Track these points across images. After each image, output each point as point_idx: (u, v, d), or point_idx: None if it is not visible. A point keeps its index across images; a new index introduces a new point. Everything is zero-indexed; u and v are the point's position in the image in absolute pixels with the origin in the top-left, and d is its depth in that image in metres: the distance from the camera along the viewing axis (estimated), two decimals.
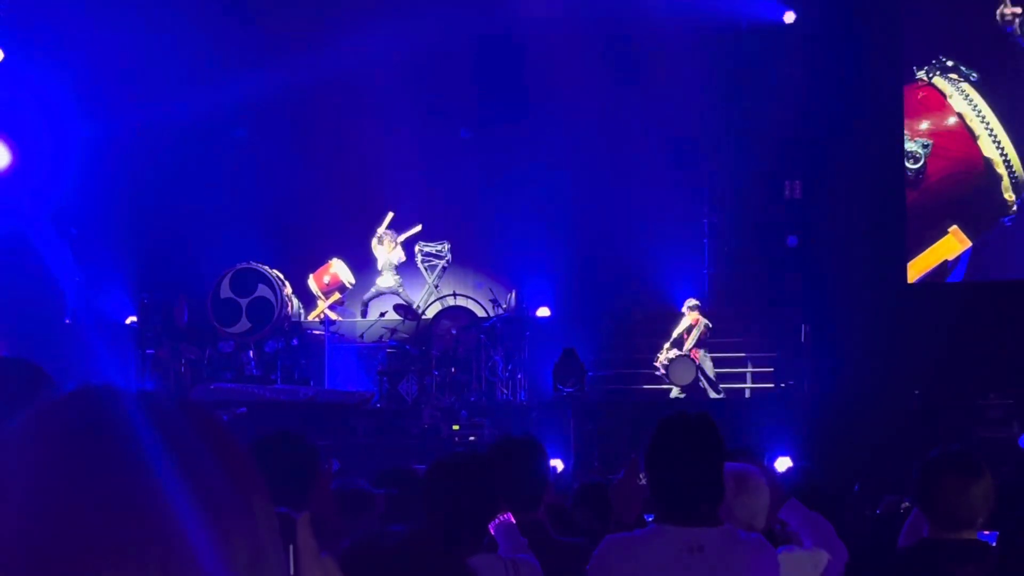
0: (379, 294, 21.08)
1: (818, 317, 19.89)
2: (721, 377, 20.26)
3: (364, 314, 21.12)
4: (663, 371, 19.66)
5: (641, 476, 4.50)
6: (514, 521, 4.86)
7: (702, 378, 19.50)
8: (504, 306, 19.98)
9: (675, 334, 19.67)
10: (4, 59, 20.79)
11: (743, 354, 20.60)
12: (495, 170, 21.63)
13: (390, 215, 20.97)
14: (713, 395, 19.44)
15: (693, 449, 4.16)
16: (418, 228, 21.16)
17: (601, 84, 20.79)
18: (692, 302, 19.76)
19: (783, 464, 12.03)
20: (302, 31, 21.82)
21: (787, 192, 21.09)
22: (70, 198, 21.23)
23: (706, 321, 19.57)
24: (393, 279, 21.02)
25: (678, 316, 20.34)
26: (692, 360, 19.40)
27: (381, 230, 20.98)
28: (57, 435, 1.08)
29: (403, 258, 21.09)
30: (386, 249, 20.99)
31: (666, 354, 19.64)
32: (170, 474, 1.06)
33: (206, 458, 1.10)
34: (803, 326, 19.91)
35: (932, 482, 4.77)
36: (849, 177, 20.31)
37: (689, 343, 19.47)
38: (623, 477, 4.81)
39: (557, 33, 21.28)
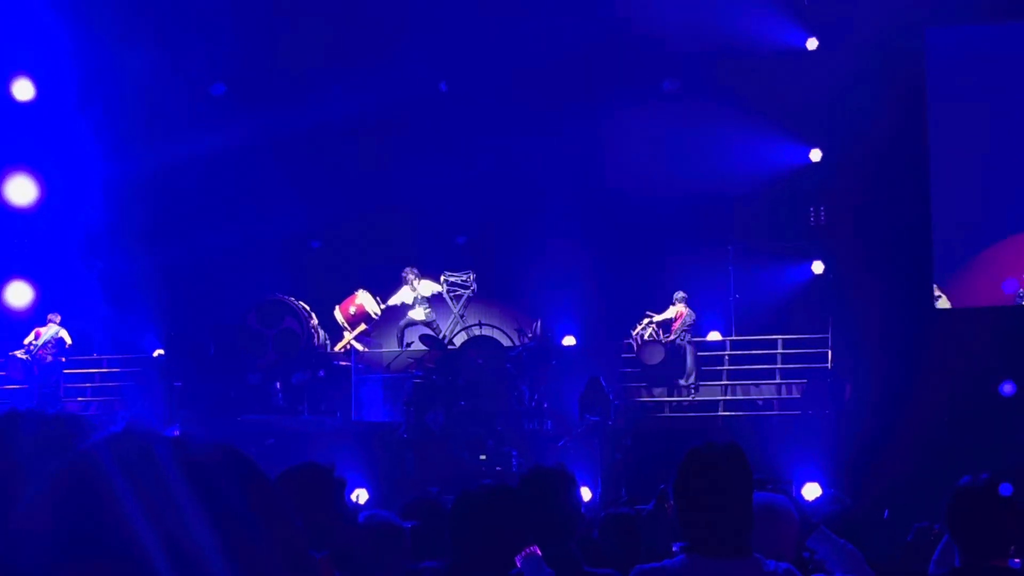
0: (411, 324, 21.02)
1: (845, 343, 19.82)
2: (748, 404, 20.21)
3: (401, 342, 21.04)
4: (636, 347, 20.37)
5: (669, 506, 4.48)
6: (540, 553, 4.84)
7: (686, 362, 20.22)
8: (530, 335, 19.96)
9: (659, 318, 20.37)
10: (35, 97, 20.98)
11: (770, 381, 20.53)
12: (520, 201, 21.64)
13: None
14: (682, 381, 20.17)
15: (722, 480, 4.14)
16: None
17: (625, 111, 20.79)
18: (680, 295, 20.37)
19: (812, 492, 11.97)
20: (323, 65, 21.95)
21: (812, 218, 21.06)
22: (97, 233, 21.36)
23: (691, 313, 20.30)
24: (424, 312, 21.01)
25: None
26: (663, 346, 20.15)
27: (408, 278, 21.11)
28: (89, 489, 1.08)
29: (435, 288, 21.09)
30: (409, 289, 20.97)
31: (641, 328, 20.28)
32: (204, 529, 1.06)
33: (243, 510, 1.10)
34: (829, 352, 19.85)
35: (963, 511, 4.74)
36: (874, 202, 20.26)
37: (675, 335, 20.26)
38: (653, 508, 4.80)
39: (580, 60, 21.34)
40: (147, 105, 21.63)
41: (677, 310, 20.35)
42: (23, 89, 21.15)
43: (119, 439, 1.12)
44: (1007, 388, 16.51)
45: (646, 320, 20.45)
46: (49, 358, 20.81)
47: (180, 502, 1.07)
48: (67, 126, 20.99)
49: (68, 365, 21.41)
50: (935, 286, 20.14)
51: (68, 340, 21.07)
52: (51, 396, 20.84)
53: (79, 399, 21.47)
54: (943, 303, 20.10)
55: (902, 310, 19.85)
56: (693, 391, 20.33)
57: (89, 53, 21.40)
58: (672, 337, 20.28)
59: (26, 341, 20.90)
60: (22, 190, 21.07)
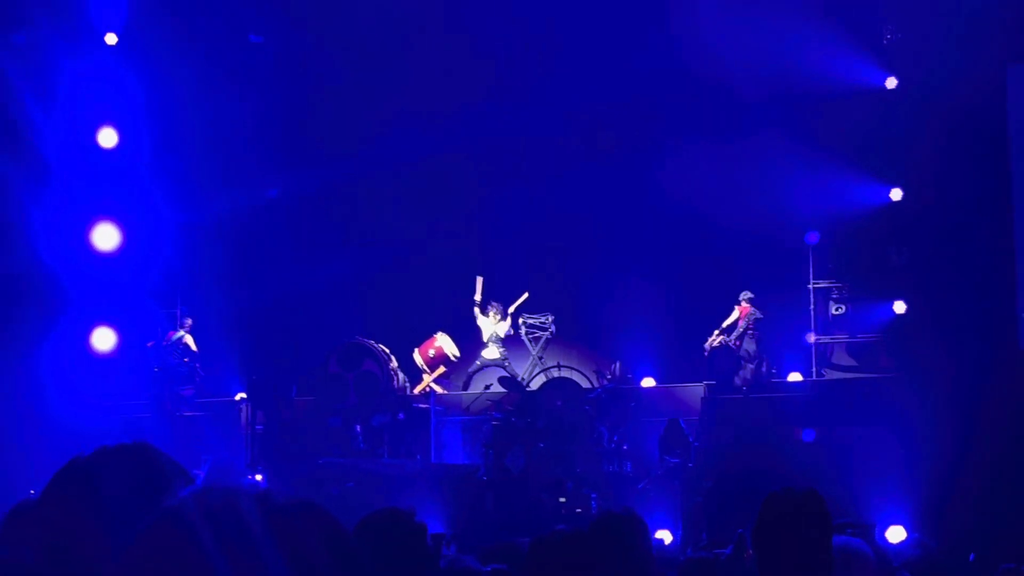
0: (484, 367, 21.15)
1: (928, 383, 19.58)
2: (829, 446, 20.02)
3: (466, 387, 21.19)
4: (706, 355, 20.35)
5: (748, 554, 4.47)
6: None
7: (744, 363, 20.08)
8: (609, 376, 19.94)
9: (725, 324, 20.34)
10: (118, 144, 21.36)
11: (851, 422, 20.32)
12: (598, 242, 21.68)
13: (479, 280, 21.17)
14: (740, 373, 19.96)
15: (800, 527, 4.13)
16: (525, 296, 21.28)
17: (702, 150, 20.74)
18: (747, 295, 20.34)
19: (897, 535, 11.85)
20: (398, 108, 22.13)
21: (894, 257, 20.88)
22: (178, 278, 21.65)
23: (755, 312, 20.25)
24: (498, 351, 21.11)
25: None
26: (734, 350, 20.10)
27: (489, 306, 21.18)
28: (178, 545, 1.11)
29: (511, 331, 21.21)
30: (491, 320, 21.11)
31: (715, 339, 20.33)
32: None
33: (324, 563, 1.13)
34: (913, 393, 19.61)
35: None
36: (956, 241, 20.05)
37: (739, 331, 20.20)
38: (731, 553, 4.79)
39: (657, 100, 21.37)
40: (224, 149, 21.90)
41: (740, 309, 20.31)
42: (107, 137, 21.53)
43: (205, 494, 1.16)
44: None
45: (716, 332, 20.41)
46: (185, 359, 21.44)
47: (264, 555, 1.11)
48: (147, 172, 21.34)
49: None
50: None
51: (193, 347, 21.54)
52: (170, 394, 21.32)
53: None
54: None
55: (986, 349, 19.60)
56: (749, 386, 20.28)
57: (167, 101, 21.75)
58: (739, 338, 20.21)
59: (164, 343, 21.40)
60: (106, 237, 21.41)
